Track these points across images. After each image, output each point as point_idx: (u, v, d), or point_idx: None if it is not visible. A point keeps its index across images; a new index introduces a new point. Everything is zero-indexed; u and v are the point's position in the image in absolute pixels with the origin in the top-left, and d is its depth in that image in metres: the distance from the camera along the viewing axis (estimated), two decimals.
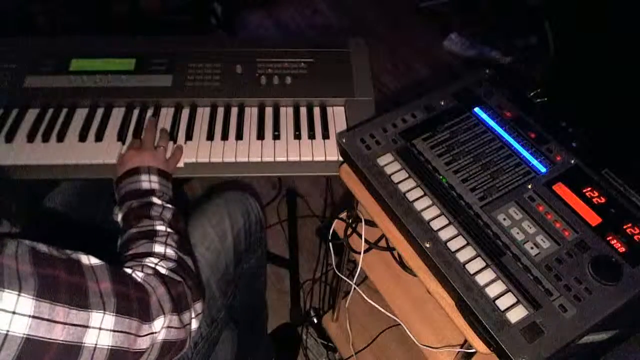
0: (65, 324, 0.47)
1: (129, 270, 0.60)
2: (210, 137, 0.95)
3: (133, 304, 0.54)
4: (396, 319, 0.86)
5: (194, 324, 0.64)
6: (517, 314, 0.59)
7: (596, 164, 0.73)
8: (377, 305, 0.89)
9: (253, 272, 1.03)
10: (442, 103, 0.84)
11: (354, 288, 0.95)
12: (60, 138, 0.93)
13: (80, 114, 0.98)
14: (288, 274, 1.56)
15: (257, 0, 2.53)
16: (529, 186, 0.72)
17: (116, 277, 0.55)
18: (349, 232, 0.90)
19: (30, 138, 0.93)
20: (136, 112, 0.99)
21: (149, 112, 0.99)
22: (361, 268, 0.88)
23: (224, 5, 2.18)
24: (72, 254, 0.53)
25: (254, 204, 0.98)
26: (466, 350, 0.72)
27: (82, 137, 0.94)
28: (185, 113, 1.00)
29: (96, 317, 0.50)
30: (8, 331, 0.43)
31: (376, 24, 2.51)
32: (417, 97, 0.85)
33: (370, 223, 0.82)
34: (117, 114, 0.98)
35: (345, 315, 1.24)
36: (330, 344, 1.36)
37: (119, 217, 0.78)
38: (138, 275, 0.60)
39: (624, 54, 0.99)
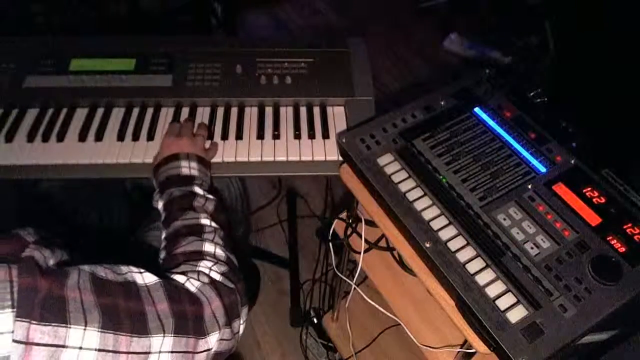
0: (128, 353, 0.47)
1: (182, 278, 0.58)
2: (210, 136, 0.95)
3: (189, 322, 0.53)
4: (396, 319, 0.86)
5: (241, 331, 0.63)
6: (517, 314, 0.59)
7: (596, 164, 0.73)
8: (377, 305, 0.89)
9: (240, 240, 1.01)
10: (442, 103, 0.84)
11: (354, 288, 0.95)
12: (60, 138, 0.93)
13: (80, 114, 0.98)
14: (288, 274, 1.56)
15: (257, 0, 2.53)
16: (529, 186, 0.72)
17: (172, 294, 0.54)
18: (349, 232, 0.90)
19: (30, 138, 0.93)
20: (136, 112, 0.99)
21: (149, 112, 0.99)
22: (361, 268, 0.88)
23: (224, 5, 2.17)
24: (127, 273, 0.53)
25: (234, 179, 0.96)
26: (466, 350, 0.72)
27: (82, 137, 0.94)
28: (185, 113, 0.99)
29: (156, 342, 0.49)
30: None
31: (376, 24, 2.51)
32: (417, 97, 0.85)
33: (370, 223, 0.82)
34: (117, 114, 0.98)
35: (345, 315, 1.24)
36: (330, 344, 1.36)
37: (160, 205, 0.77)
38: (193, 284, 0.58)
39: (624, 54, 0.99)
